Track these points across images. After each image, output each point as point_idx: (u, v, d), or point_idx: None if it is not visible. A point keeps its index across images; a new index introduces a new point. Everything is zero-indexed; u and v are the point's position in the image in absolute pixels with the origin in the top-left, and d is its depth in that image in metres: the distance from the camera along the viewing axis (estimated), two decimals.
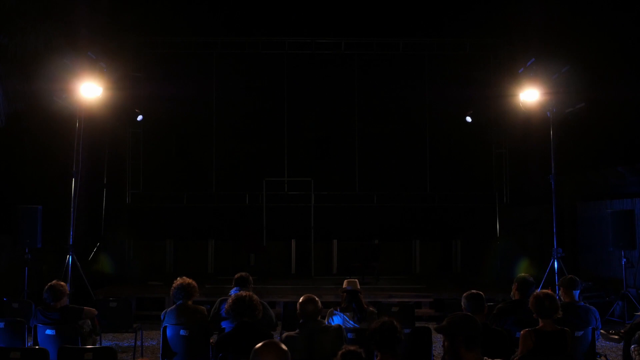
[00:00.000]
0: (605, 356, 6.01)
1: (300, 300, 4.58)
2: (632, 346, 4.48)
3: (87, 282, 9.14)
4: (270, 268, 12.50)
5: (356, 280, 5.67)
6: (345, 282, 5.59)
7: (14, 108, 9.97)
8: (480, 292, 4.75)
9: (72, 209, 9.14)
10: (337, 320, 5.27)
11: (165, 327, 5.13)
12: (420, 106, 13.37)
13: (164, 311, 5.44)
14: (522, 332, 4.29)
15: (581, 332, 5.03)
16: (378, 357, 3.41)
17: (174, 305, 5.37)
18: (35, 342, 5.18)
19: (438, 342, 7.34)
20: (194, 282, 5.41)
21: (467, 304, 4.70)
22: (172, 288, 5.37)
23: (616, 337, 7.22)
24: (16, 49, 9.78)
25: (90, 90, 9.35)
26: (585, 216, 11.42)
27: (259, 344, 2.68)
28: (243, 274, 5.93)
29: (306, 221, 12.87)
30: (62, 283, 5.51)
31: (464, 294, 4.79)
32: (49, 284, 5.47)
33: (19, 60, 9.81)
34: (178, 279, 5.42)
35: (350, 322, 5.25)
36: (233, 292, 5.57)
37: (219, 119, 13.36)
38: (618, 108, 10.25)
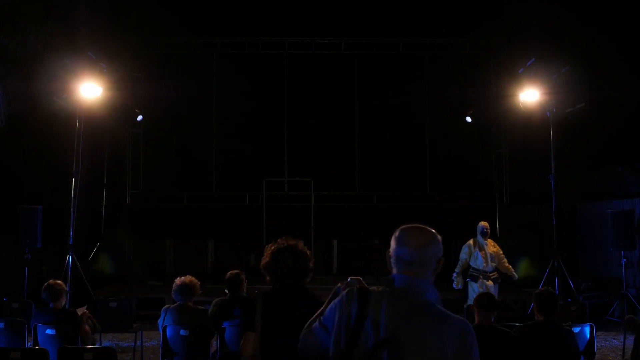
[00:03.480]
0: None
1: None
2: None
3: (87, 282, 9.14)
4: None
5: (360, 278, 5.64)
6: (349, 279, 5.56)
7: (14, 108, 9.96)
8: (491, 294, 4.76)
9: (72, 209, 9.15)
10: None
11: (165, 327, 5.12)
12: (420, 106, 13.36)
13: (165, 306, 5.39)
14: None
15: (578, 329, 5.03)
16: None
17: (175, 304, 5.34)
18: (35, 342, 5.18)
19: None
20: (196, 281, 5.30)
21: (477, 303, 4.68)
22: (174, 287, 5.30)
23: None
24: (16, 49, 9.77)
25: (90, 90, 9.36)
26: (585, 216, 11.43)
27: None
28: (234, 272, 5.50)
29: (306, 221, 12.87)
30: (59, 282, 5.44)
31: (478, 294, 4.82)
32: (46, 283, 5.40)
33: (19, 60, 9.81)
34: (181, 277, 5.32)
35: None
36: None
37: (219, 119, 13.35)
38: (618, 108, 10.26)
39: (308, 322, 2.46)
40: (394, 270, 2.27)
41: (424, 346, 2.09)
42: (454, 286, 8.36)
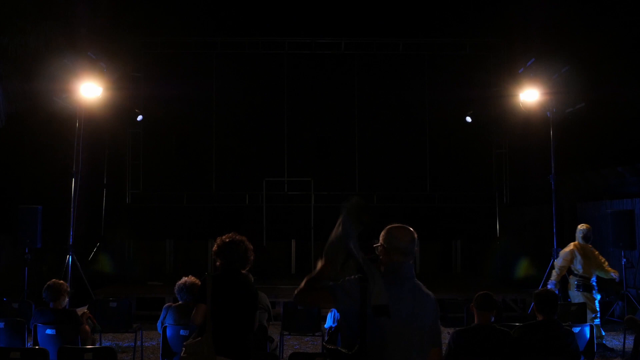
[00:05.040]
0: None
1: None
2: None
3: (87, 282, 9.14)
4: (270, 268, 12.49)
5: None
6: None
7: (14, 108, 9.97)
8: (489, 292, 4.65)
9: (72, 209, 9.13)
10: (337, 315, 5.28)
11: (165, 327, 5.13)
12: (420, 106, 13.36)
13: (167, 304, 5.40)
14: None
15: (578, 329, 5.04)
16: None
17: (177, 303, 5.34)
18: (35, 342, 5.17)
19: None
20: (198, 282, 5.32)
21: (476, 303, 4.65)
22: (179, 285, 5.29)
23: None
24: (16, 49, 9.78)
25: (90, 90, 9.35)
26: (585, 216, 11.41)
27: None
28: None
29: (306, 221, 12.87)
30: (61, 282, 5.45)
31: (477, 294, 4.67)
32: (47, 283, 5.41)
33: (19, 60, 9.82)
34: (183, 277, 5.32)
35: None
36: None
37: (219, 119, 13.35)
38: (618, 108, 10.26)
39: (307, 281, 3.15)
40: (393, 259, 3.00)
41: (425, 312, 2.84)
42: None
